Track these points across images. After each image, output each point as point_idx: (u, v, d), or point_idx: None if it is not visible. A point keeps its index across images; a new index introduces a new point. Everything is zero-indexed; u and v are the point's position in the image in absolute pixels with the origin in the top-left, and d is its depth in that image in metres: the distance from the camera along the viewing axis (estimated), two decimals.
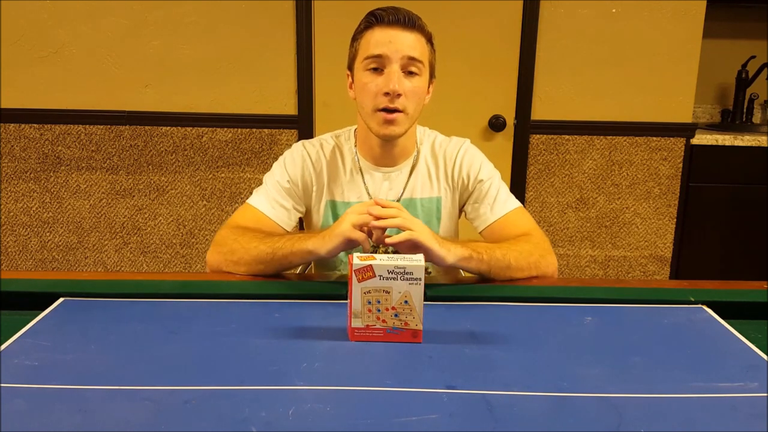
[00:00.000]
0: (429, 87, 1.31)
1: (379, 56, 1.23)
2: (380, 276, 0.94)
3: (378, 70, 1.24)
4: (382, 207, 1.14)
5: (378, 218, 1.13)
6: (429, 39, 1.27)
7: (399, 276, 0.94)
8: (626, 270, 2.68)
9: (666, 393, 0.84)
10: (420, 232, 1.12)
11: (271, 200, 1.34)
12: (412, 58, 1.23)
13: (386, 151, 1.34)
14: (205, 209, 2.60)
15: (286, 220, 1.35)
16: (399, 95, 1.23)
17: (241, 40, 2.44)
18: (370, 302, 0.96)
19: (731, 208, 2.59)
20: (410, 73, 1.24)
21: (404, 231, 1.12)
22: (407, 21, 1.23)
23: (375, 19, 1.24)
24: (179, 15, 2.41)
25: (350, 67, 1.31)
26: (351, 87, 1.31)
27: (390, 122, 1.26)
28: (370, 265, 0.94)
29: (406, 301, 0.95)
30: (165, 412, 0.77)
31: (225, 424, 0.75)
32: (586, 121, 2.53)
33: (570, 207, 2.62)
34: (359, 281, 0.95)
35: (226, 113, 2.51)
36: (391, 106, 1.24)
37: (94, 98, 2.49)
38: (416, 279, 0.94)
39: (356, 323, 0.97)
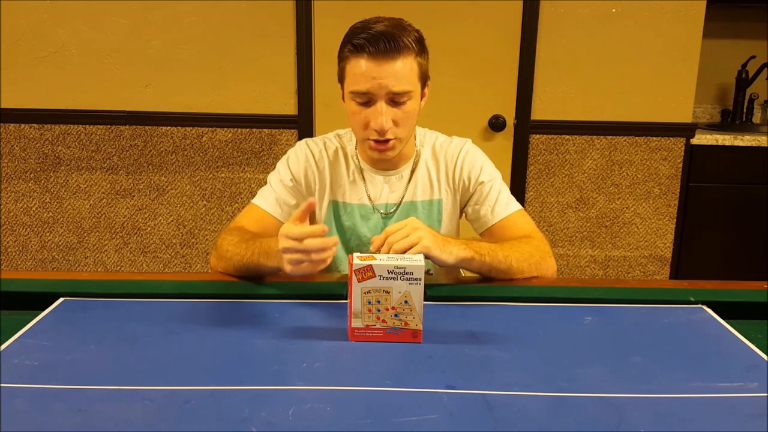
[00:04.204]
0: (423, 91, 1.29)
1: (365, 93, 1.20)
2: (380, 276, 0.94)
3: (365, 103, 1.22)
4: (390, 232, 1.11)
5: (386, 238, 1.10)
6: (417, 50, 1.21)
7: (399, 276, 0.94)
8: (626, 270, 2.68)
9: (666, 393, 0.84)
10: (424, 239, 1.10)
11: (275, 199, 1.35)
12: (398, 93, 1.20)
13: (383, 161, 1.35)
14: (205, 209, 2.60)
15: None
16: (387, 130, 1.22)
17: (241, 40, 2.44)
18: (370, 302, 0.96)
19: (731, 208, 2.59)
20: (399, 102, 1.22)
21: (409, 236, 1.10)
22: (390, 48, 1.16)
23: (356, 49, 1.18)
24: (179, 15, 2.41)
25: (340, 82, 1.28)
26: (343, 99, 1.29)
27: (382, 150, 1.26)
28: (370, 265, 0.94)
29: (406, 301, 0.95)
30: (165, 412, 0.77)
31: (225, 424, 0.75)
32: (586, 121, 2.53)
33: (570, 207, 2.61)
34: (359, 281, 0.95)
35: (226, 113, 2.51)
36: (381, 139, 1.24)
37: (94, 98, 2.49)
38: (416, 279, 0.94)
39: (356, 323, 0.97)
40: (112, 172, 2.56)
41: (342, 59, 1.24)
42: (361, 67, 1.19)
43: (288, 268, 1.04)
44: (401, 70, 1.19)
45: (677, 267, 2.66)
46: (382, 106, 1.20)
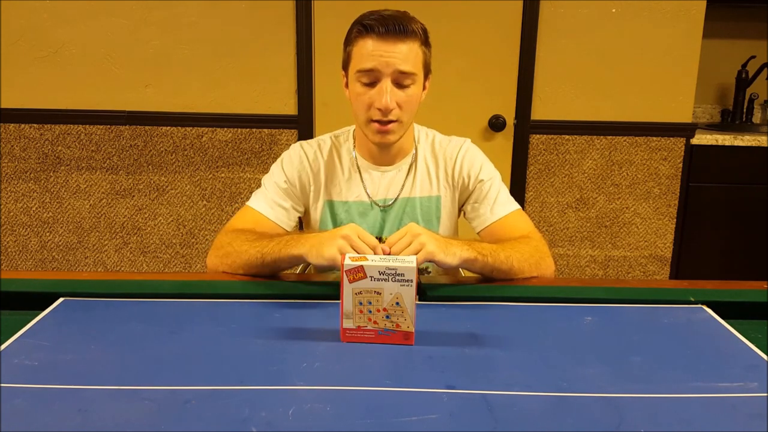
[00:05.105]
0: (425, 83, 1.30)
1: (370, 70, 1.22)
2: (371, 277, 0.94)
3: (371, 83, 1.23)
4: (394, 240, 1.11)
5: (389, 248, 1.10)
6: (423, 39, 1.24)
7: (390, 277, 0.93)
8: (626, 270, 2.68)
9: (666, 393, 0.84)
10: (427, 244, 1.10)
11: (269, 201, 1.35)
12: (403, 73, 1.22)
13: (384, 150, 1.35)
14: (205, 209, 2.60)
15: (286, 220, 1.36)
16: (391, 110, 1.23)
17: (241, 40, 2.44)
18: (361, 303, 0.95)
19: (731, 208, 2.59)
20: (403, 84, 1.24)
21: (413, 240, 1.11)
22: (398, 30, 1.19)
23: (365, 29, 1.21)
24: (179, 15, 2.42)
25: (345, 68, 1.30)
26: (346, 86, 1.31)
27: (384, 132, 1.27)
28: (361, 266, 0.93)
29: (397, 303, 0.95)
30: (165, 412, 0.77)
31: (225, 424, 0.75)
32: (586, 121, 2.53)
33: (570, 207, 2.61)
34: (350, 282, 0.94)
35: (226, 113, 2.51)
36: (384, 119, 1.25)
37: (94, 98, 2.49)
38: (407, 281, 0.94)
39: (347, 324, 0.96)
40: (112, 172, 2.56)
41: (349, 43, 1.26)
42: (368, 46, 1.21)
43: (332, 251, 1.06)
44: (408, 52, 1.21)
45: (677, 267, 2.66)
46: (387, 84, 1.22)
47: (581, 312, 1.10)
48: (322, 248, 1.09)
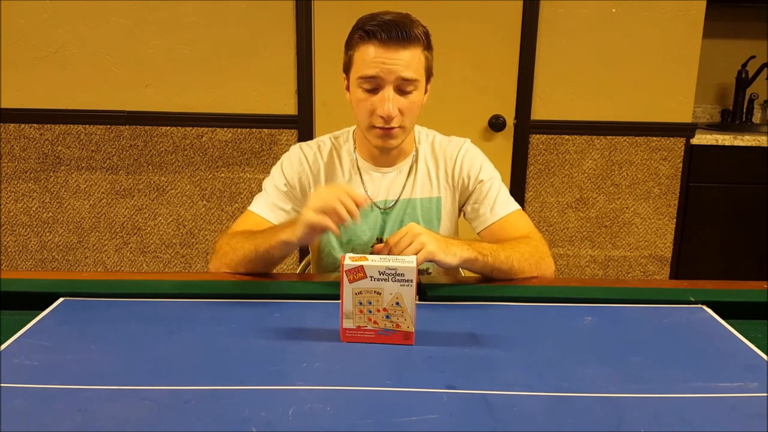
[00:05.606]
0: (427, 86, 1.30)
1: (372, 77, 1.21)
2: (371, 277, 0.94)
3: (372, 89, 1.23)
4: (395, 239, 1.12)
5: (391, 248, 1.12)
6: (425, 43, 1.23)
7: (390, 277, 0.93)
8: (626, 270, 2.68)
9: (666, 393, 0.84)
10: (427, 244, 1.11)
11: (270, 204, 1.35)
12: (406, 79, 1.21)
13: (384, 152, 1.35)
14: (205, 209, 2.60)
15: None
16: (393, 117, 1.23)
17: (241, 40, 2.44)
18: (361, 303, 0.95)
19: (731, 208, 2.59)
20: (405, 90, 1.23)
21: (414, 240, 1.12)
22: (400, 36, 1.18)
23: (366, 35, 1.19)
24: (179, 15, 2.42)
25: (345, 72, 1.29)
26: (347, 89, 1.30)
27: (387, 138, 1.27)
28: (361, 266, 0.93)
29: (397, 303, 0.95)
30: (165, 412, 0.77)
31: (225, 424, 0.75)
32: (586, 121, 2.53)
33: (570, 207, 2.62)
34: (350, 282, 0.94)
35: (226, 113, 2.51)
36: (387, 126, 1.24)
37: (94, 98, 2.49)
38: (407, 281, 0.94)
39: (347, 324, 0.96)
40: (112, 172, 2.56)
41: (350, 47, 1.25)
42: (370, 53, 1.20)
43: (309, 214, 1.08)
44: (410, 59, 1.21)
45: (677, 267, 2.66)
46: (389, 92, 1.21)
47: (581, 312, 1.10)
48: (298, 217, 1.12)
